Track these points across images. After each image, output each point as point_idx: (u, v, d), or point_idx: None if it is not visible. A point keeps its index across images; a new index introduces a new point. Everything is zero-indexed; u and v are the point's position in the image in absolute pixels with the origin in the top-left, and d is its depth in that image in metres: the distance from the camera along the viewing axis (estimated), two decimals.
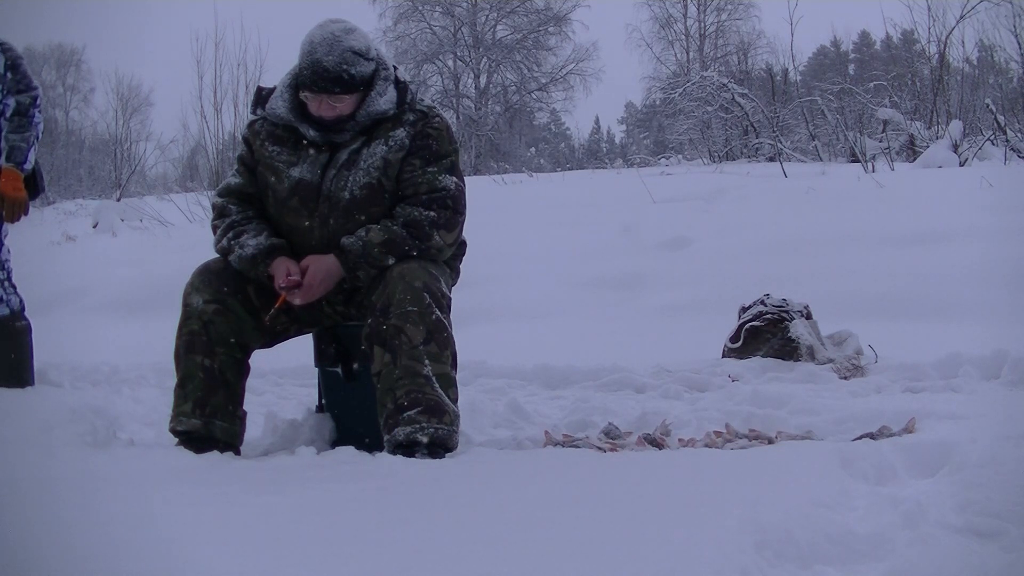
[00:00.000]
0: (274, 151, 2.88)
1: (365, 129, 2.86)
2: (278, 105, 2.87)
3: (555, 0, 35.46)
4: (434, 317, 2.68)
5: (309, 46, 2.77)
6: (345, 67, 2.75)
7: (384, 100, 2.84)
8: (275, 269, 2.79)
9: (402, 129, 2.85)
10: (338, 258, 2.77)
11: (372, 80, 2.83)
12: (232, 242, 2.85)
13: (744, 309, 4.57)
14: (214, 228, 2.94)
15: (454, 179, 2.86)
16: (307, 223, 2.84)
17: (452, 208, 2.84)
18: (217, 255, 2.91)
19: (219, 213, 2.94)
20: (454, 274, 3.02)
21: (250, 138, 2.96)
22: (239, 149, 3.02)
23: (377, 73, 2.85)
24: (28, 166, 3.78)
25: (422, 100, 2.95)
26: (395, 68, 2.92)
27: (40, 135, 3.84)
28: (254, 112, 2.96)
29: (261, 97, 2.93)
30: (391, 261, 2.75)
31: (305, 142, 2.87)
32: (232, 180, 2.98)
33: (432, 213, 2.80)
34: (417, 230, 2.78)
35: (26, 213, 3.82)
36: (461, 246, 3.06)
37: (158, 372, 4.41)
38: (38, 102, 3.83)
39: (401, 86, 2.88)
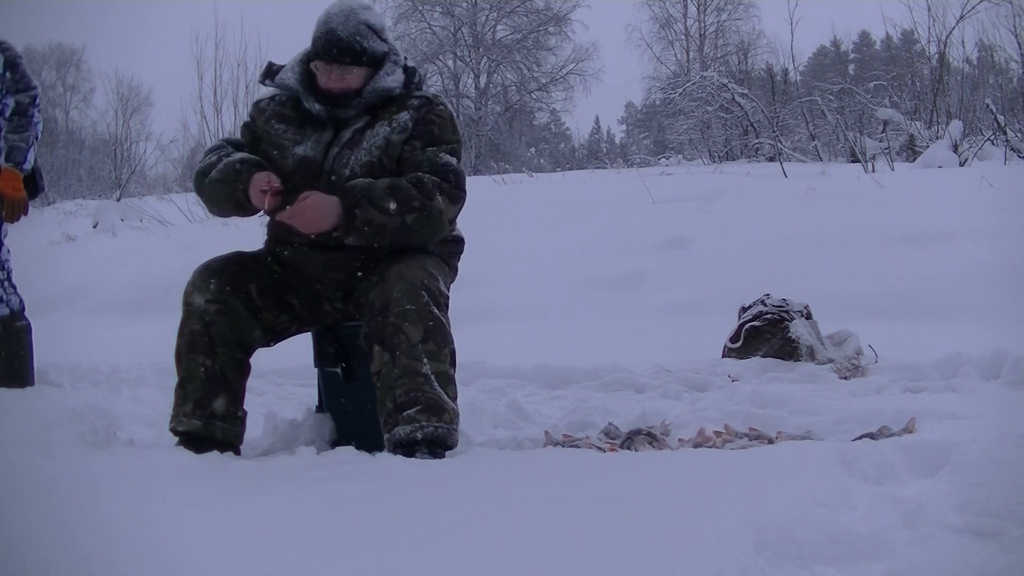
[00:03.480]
0: (280, 129, 2.90)
1: (370, 108, 2.87)
2: (288, 76, 2.89)
3: (555, 0, 35.49)
4: (432, 315, 2.67)
5: (325, 16, 2.82)
6: (359, 39, 2.79)
7: (391, 79, 2.86)
8: (256, 176, 2.76)
9: (406, 112, 2.86)
10: (340, 196, 2.71)
11: (382, 60, 2.86)
12: (216, 159, 2.85)
13: (744, 309, 4.57)
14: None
15: (455, 160, 2.86)
16: None
17: (454, 183, 2.82)
18: (200, 175, 2.87)
19: (211, 148, 2.96)
20: (452, 272, 3.02)
21: (255, 116, 2.98)
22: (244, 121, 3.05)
23: (388, 56, 2.88)
24: (28, 166, 3.78)
25: (429, 88, 2.97)
26: (405, 58, 2.95)
27: (39, 135, 3.84)
28: (262, 82, 2.97)
29: (271, 71, 2.95)
30: (393, 206, 2.70)
31: (310, 123, 2.87)
32: (232, 136, 2.99)
33: (436, 178, 2.79)
34: (421, 188, 2.75)
35: (26, 213, 3.82)
36: (459, 244, 3.05)
37: (158, 372, 4.41)
38: (37, 102, 3.83)
39: (410, 70, 2.91)
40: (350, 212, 2.70)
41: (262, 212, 2.80)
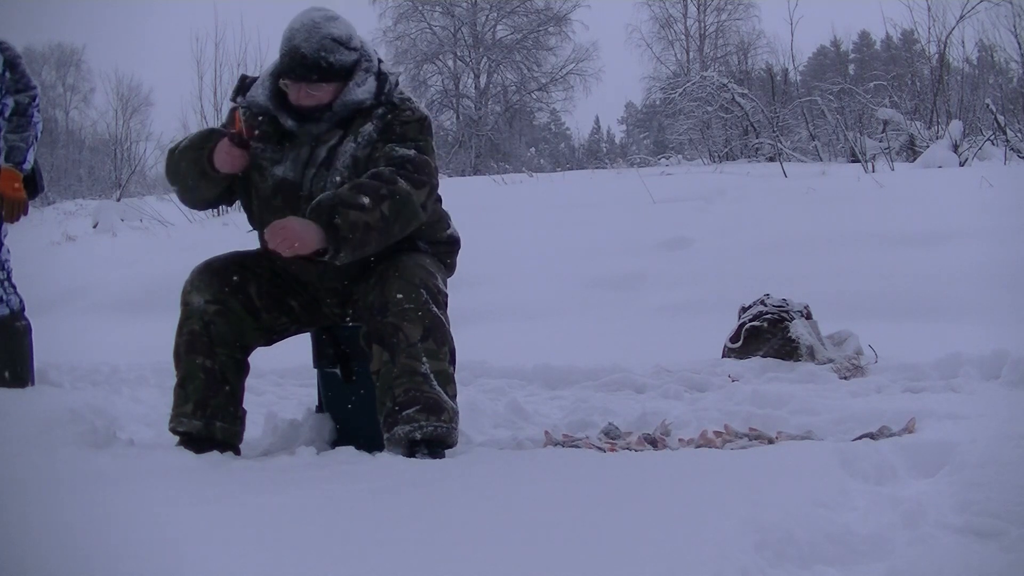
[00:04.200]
0: (257, 148, 2.81)
1: (343, 121, 2.81)
2: (258, 93, 2.82)
3: (555, 0, 35.48)
4: (431, 314, 2.67)
5: (289, 32, 2.75)
6: (324, 55, 2.72)
7: (362, 90, 2.79)
8: (223, 140, 2.73)
9: (370, 123, 2.81)
10: (313, 218, 2.62)
11: (352, 70, 2.79)
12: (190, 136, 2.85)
13: (744, 309, 4.57)
14: None
15: (415, 152, 2.77)
16: None
17: (413, 170, 2.74)
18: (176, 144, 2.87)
19: None
20: (449, 269, 3.01)
21: (229, 126, 2.90)
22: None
23: (359, 64, 2.81)
24: (27, 166, 3.78)
25: (401, 93, 2.88)
26: (380, 61, 2.88)
27: (39, 135, 3.84)
28: (234, 100, 2.91)
29: (244, 85, 2.88)
30: (366, 200, 2.62)
31: (288, 138, 2.82)
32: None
33: (392, 167, 2.73)
34: (381, 177, 2.69)
35: (25, 213, 3.82)
36: (455, 243, 3.03)
37: (158, 372, 4.41)
38: (36, 101, 3.83)
39: (382, 77, 2.83)
40: (331, 225, 2.61)
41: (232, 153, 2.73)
